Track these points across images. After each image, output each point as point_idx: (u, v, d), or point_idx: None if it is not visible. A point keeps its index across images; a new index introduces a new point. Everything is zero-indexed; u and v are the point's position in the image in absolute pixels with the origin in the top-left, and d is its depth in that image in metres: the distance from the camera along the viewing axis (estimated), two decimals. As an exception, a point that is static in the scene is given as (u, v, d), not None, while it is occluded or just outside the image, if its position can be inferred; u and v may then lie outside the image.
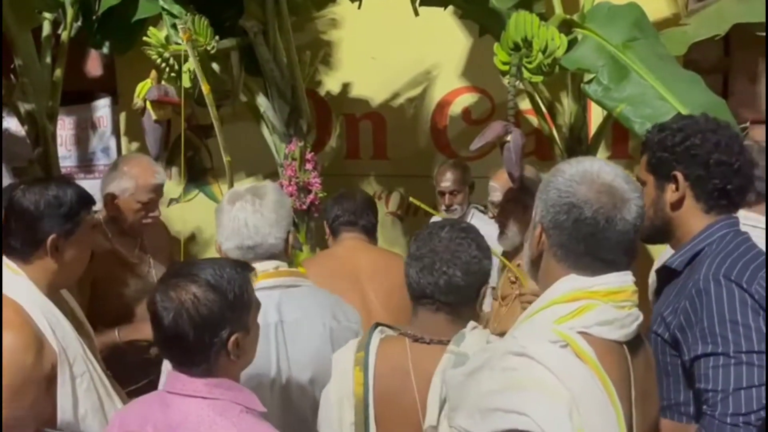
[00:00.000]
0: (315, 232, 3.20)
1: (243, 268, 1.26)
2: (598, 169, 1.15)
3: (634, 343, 1.16)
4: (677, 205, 1.46)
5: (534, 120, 3.23)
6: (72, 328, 1.50)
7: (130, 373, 1.87)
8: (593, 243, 1.12)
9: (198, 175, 4.02)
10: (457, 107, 3.67)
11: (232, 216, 1.60)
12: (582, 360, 1.05)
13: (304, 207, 3.08)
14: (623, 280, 1.14)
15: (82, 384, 1.45)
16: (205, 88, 2.42)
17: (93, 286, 2.27)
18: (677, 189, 1.45)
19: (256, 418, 1.20)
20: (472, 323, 1.34)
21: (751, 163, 1.51)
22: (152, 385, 1.52)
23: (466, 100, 3.65)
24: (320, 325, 1.50)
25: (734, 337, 1.29)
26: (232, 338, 1.21)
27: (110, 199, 2.32)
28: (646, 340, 1.25)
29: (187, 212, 4.03)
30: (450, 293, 1.33)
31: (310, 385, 1.47)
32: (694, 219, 1.46)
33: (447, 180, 3.13)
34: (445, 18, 3.34)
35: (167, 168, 4.08)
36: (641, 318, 1.15)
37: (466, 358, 1.24)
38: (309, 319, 1.49)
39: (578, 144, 2.82)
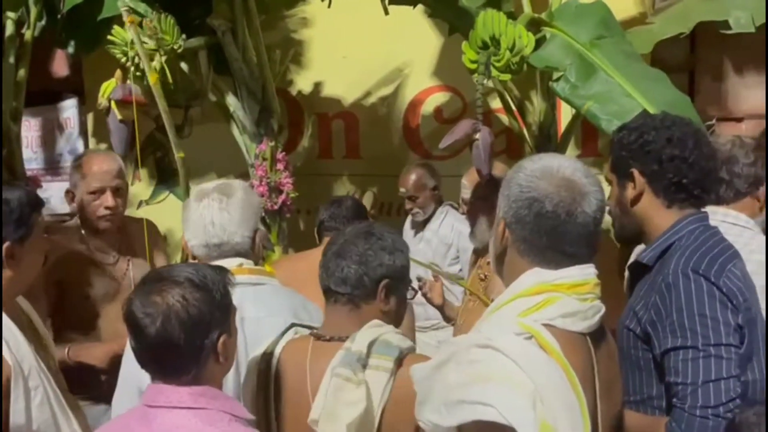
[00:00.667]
0: (287, 232, 3.19)
1: (221, 269, 1.25)
2: (558, 164, 1.17)
3: (597, 335, 1.17)
4: (637, 200, 1.49)
5: (505, 118, 3.25)
6: (26, 340, 1.45)
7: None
8: (555, 236, 1.14)
9: (168, 176, 3.97)
10: (429, 106, 3.68)
11: (198, 214, 1.59)
12: (546, 351, 1.07)
13: (276, 207, 3.06)
14: (586, 273, 1.15)
15: (35, 398, 1.40)
16: (151, 78, 2.35)
17: (59, 288, 2.21)
18: (635, 186, 1.48)
19: (246, 426, 1.18)
20: (374, 321, 1.34)
21: (710, 157, 1.49)
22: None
23: (438, 99, 3.66)
24: (282, 324, 1.49)
25: (703, 331, 1.31)
26: (221, 339, 1.19)
27: (69, 198, 2.27)
28: (609, 333, 1.26)
29: (157, 214, 3.98)
30: (345, 284, 1.36)
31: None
32: (658, 215, 1.47)
33: (404, 185, 3.22)
34: (416, 17, 3.34)
35: (136, 169, 4.03)
36: (603, 310, 1.17)
37: (356, 354, 1.26)
38: (271, 318, 1.48)
39: (548, 142, 2.84)
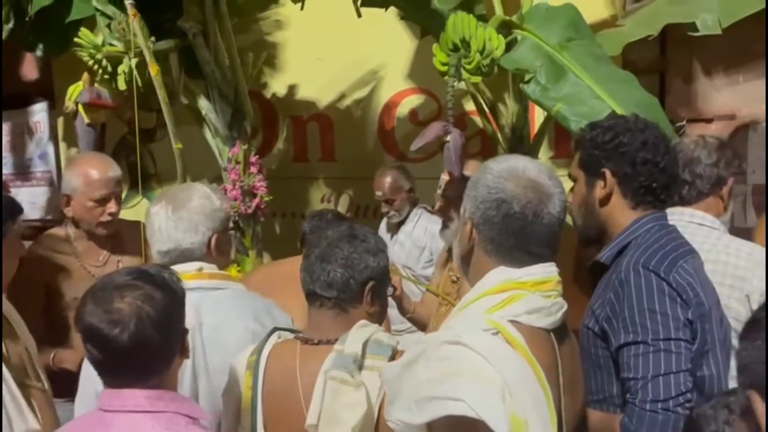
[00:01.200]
0: (261, 236, 3.16)
1: (165, 267, 1.25)
2: (524, 165, 1.19)
3: (560, 332, 1.19)
4: (605, 200, 1.50)
5: (479, 120, 3.26)
6: None
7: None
8: (522, 237, 1.16)
9: (142, 181, 3.92)
10: (403, 108, 3.68)
11: (150, 220, 1.61)
12: (513, 346, 1.09)
13: (249, 211, 3.03)
14: (548, 270, 1.18)
15: None
16: (153, 69, 2.28)
17: (46, 295, 2.19)
18: (605, 185, 1.48)
19: (203, 429, 1.17)
20: (362, 321, 1.35)
21: (677, 161, 1.53)
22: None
23: (413, 101, 3.66)
24: (242, 329, 1.47)
25: (652, 326, 1.33)
26: (186, 336, 1.19)
27: (65, 202, 2.23)
28: (571, 332, 1.28)
29: (130, 218, 3.93)
30: (331, 288, 1.36)
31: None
32: (623, 215, 1.49)
33: (380, 188, 3.24)
34: (390, 19, 3.34)
35: (109, 173, 3.97)
36: (566, 307, 1.19)
37: (351, 356, 1.27)
38: (230, 323, 1.46)
39: (520, 144, 2.85)
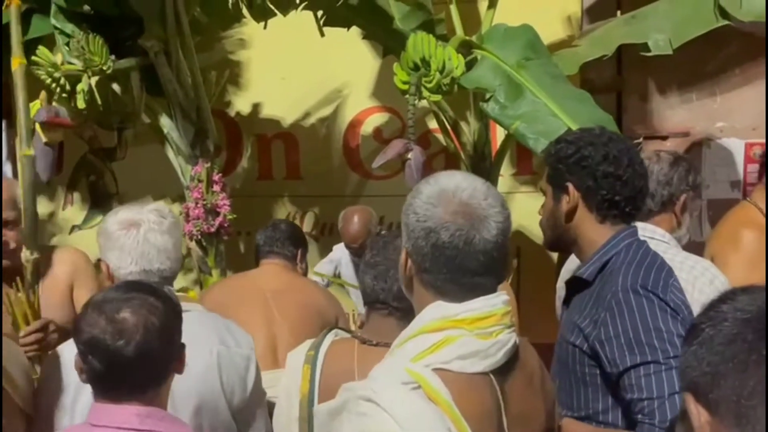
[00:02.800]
0: (225, 254, 3.14)
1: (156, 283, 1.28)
2: (455, 186, 1.09)
3: (505, 369, 1.11)
4: (571, 214, 1.50)
5: (442, 138, 3.30)
6: None
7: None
8: (454, 268, 1.07)
9: (102, 200, 3.86)
10: (368, 126, 3.70)
11: (135, 240, 1.55)
12: (434, 401, 1.01)
13: (212, 229, 3.00)
14: (491, 304, 1.09)
15: None
16: (14, 63, 2.07)
17: None
18: (570, 199, 1.49)
19: None
20: None
21: (642, 175, 1.53)
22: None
23: (377, 119, 3.69)
24: (207, 352, 1.46)
25: (660, 345, 1.31)
26: (183, 351, 1.21)
27: None
28: (531, 358, 1.21)
29: (91, 239, 3.85)
30: (402, 299, 1.30)
31: (196, 414, 1.42)
32: (591, 229, 1.49)
33: (352, 241, 3.07)
34: (353, 39, 3.37)
35: (68, 193, 3.91)
36: (512, 341, 1.11)
37: None
38: (195, 346, 1.45)
39: (482, 161, 2.90)
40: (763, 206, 2.42)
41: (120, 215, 1.57)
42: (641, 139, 3.51)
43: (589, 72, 3.37)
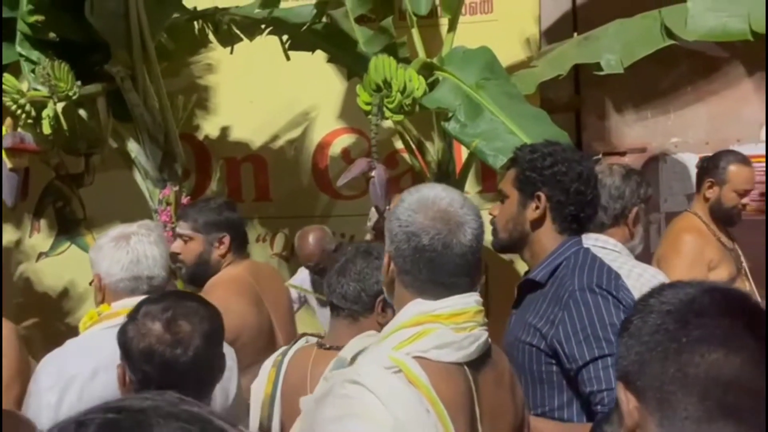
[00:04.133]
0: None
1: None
2: (434, 195, 1.21)
3: (479, 363, 1.20)
4: (537, 223, 1.56)
5: (408, 158, 3.37)
6: None
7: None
8: (433, 269, 1.17)
9: (70, 227, 3.84)
10: (336, 147, 3.76)
11: (125, 250, 1.65)
12: (414, 385, 1.10)
13: (181, 252, 3.01)
14: (465, 302, 1.19)
15: None
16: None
17: None
18: (538, 208, 1.55)
19: None
20: (368, 331, 1.45)
21: (599, 196, 1.65)
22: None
23: (345, 140, 3.75)
24: None
25: (616, 339, 1.38)
26: (224, 357, 1.29)
27: None
28: (501, 358, 1.29)
29: (59, 266, 3.83)
30: (345, 300, 1.50)
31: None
32: (548, 237, 1.57)
33: (308, 259, 3.17)
34: (319, 62, 3.44)
35: (35, 220, 3.88)
36: (483, 337, 1.20)
37: (344, 362, 1.32)
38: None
39: (447, 178, 2.97)
40: (702, 214, 2.56)
41: (111, 232, 1.69)
42: (600, 155, 3.62)
43: (548, 92, 3.49)
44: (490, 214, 1.64)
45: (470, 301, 1.19)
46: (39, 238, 3.88)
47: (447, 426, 1.10)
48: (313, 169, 3.78)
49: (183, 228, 2.12)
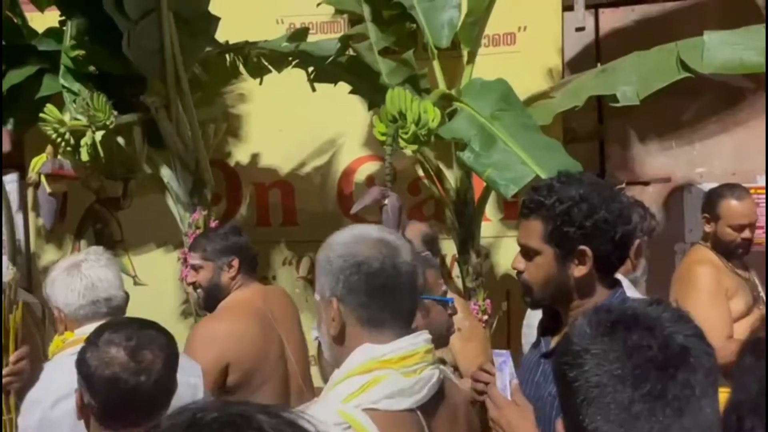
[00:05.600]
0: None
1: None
2: (362, 229, 1.26)
3: (431, 405, 1.20)
4: (584, 279, 1.37)
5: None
6: None
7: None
8: (386, 293, 1.18)
9: (108, 248, 3.98)
10: (360, 174, 3.86)
11: (78, 277, 1.70)
12: None
13: (208, 274, 3.13)
14: (414, 342, 1.19)
15: None
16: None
17: None
18: (582, 263, 1.36)
19: None
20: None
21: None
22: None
23: (369, 167, 3.85)
24: (185, 385, 1.55)
25: None
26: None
27: None
28: (454, 390, 1.28)
29: (96, 285, 4.00)
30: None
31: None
32: (589, 290, 1.39)
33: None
34: (345, 93, 3.56)
35: (76, 240, 4.07)
36: (435, 377, 1.20)
37: None
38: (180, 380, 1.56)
39: (465, 206, 3.02)
40: (710, 245, 2.55)
41: (60, 264, 1.74)
42: (624, 185, 3.63)
43: (572, 121, 3.53)
44: (515, 268, 1.47)
45: (419, 341, 1.19)
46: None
47: None
48: (338, 195, 3.88)
49: (194, 258, 2.22)
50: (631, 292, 1.85)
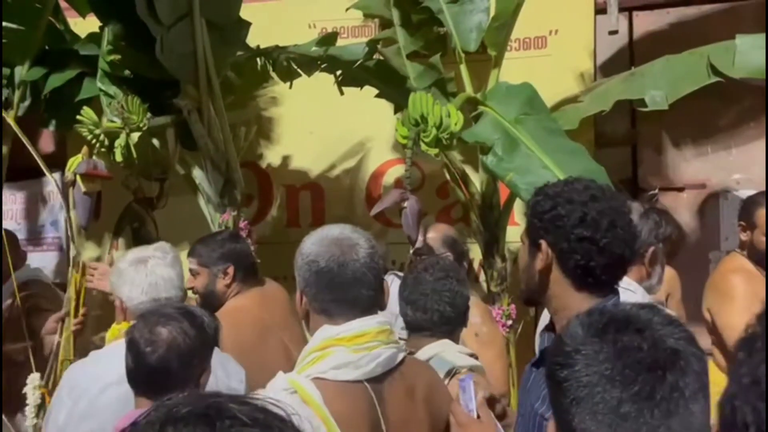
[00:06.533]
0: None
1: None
2: (328, 229, 1.44)
3: (386, 377, 1.35)
4: (545, 272, 1.39)
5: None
6: None
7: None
8: (334, 287, 1.35)
9: (145, 245, 4.13)
10: (389, 177, 3.88)
11: (143, 273, 1.79)
12: (307, 404, 1.25)
13: (237, 273, 3.20)
14: (365, 324, 1.35)
15: None
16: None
17: None
18: (543, 258, 1.37)
19: None
20: (441, 342, 1.71)
21: (624, 239, 1.35)
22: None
23: (398, 170, 3.86)
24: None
25: None
26: (204, 374, 1.43)
27: None
28: (421, 370, 1.44)
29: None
30: (444, 324, 1.73)
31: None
32: (567, 295, 1.37)
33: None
34: (374, 96, 3.59)
35: (114, 238, 4.21)
36: (386, 354, 1.35)
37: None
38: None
39: (490, 210, 3.01)
40: (746, 253, 2.47)
41: (128, 256, 1.79)
42: (657, 190, 3.56)
43: (605, 126, 3.48)
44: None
45: (371, 323, 1.36)
46: (117, 255, 4.20)
47: None
48: (367, 198, 3.91)
49: (191, 264, 2.27)
50: (645, 300, 1.83)
